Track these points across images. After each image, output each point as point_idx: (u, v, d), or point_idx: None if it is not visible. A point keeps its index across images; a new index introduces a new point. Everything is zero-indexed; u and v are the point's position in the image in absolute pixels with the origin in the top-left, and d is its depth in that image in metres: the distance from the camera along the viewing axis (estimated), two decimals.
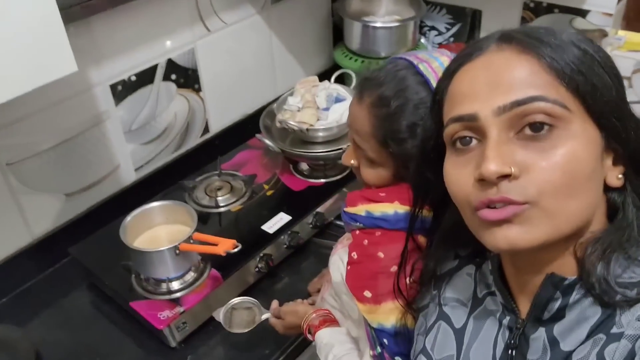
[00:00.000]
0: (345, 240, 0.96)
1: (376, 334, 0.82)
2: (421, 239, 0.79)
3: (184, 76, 1.47)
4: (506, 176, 0.54)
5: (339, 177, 1.47)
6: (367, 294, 0.83)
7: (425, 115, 0.80)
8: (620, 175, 0.59)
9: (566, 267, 0.59)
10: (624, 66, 1.50)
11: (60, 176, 1.31)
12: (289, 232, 1.31)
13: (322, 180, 1.46)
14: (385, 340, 0.81)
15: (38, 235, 1.32)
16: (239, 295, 1.24)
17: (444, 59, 0.85)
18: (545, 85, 0.55)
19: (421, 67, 0.84)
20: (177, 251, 1.12)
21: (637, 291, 0.55)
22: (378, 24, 1.69)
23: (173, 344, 1.15)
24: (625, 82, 0.60)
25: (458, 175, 0.59)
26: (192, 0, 1.41)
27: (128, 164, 1.44)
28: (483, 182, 0.55)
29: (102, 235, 1.34)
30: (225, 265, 1.22)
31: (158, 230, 1.24)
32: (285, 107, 1.45)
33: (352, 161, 0.93)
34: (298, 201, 1.40)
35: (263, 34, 1.64)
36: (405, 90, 0.84)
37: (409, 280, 0.78)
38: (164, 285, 1.18)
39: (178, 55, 1.44)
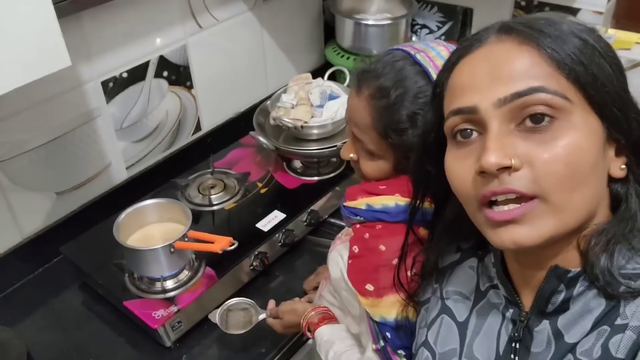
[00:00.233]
0: (344, 236, 0.96)
1: (379, 328, 0.82)
2: (422, 232, 0.79)
3: (176, 73, 1.46)
4: (507, 168, 0.54)
5: (332, 174, 1.46)
6: (369, 287, 0.82)
7: (425, 105, 0.81)
8: (623, 166, 0.59)
9: (570, 259, 0.59)
10: None
11: (50, 174, 1.29)
12: (284, 230, 1.31)
13: (316, 178, 1.45)
14: (387, 334, 0.81)
15: (28, 235, 1.30)
16: (234, 294, 1.23)
17: (441, 48, 0.85)
18: (546, 76, 0.54)
19: (418, 56, 0.84)
20: (172, 249, 1.11)
21: None
22: (370, 22, 1.69)
23: (168, 343, 1.14)
24: None
25: (459, 168, 0.59)
26: None
27: (119, 162, 1.43)
28: (484, 174, 0.55)
29: (94, 234, 1.32)
30: (220, 263, 1.21)
31: (151, 229, 1.22)
32: (279, 105, 1.44)
33: (351, 155, 0.93)
34: (292, 199, 1.39)
35: (255, 31, 1.63)
36: (404, 80, 0.83)
37: (411, 273, 0.78)
38: (158, 284, 1.17)
39: (170, 51, 1.42)
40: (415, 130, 0.83)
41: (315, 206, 1.37)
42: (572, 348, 0.57)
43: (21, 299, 1.27)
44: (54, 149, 1.27)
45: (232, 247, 1.11)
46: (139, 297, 1.16)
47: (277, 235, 1.29)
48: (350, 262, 0.86)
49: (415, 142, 0.82)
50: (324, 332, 0.96)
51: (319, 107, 1.42)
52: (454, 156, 0.60)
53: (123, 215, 1.18)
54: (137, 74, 1.37)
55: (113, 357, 1.14)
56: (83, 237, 1.32)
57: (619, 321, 0.55)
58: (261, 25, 1.64)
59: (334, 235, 1.35)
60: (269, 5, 1.63)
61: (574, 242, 0.58)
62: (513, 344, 0.63)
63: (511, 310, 0.64)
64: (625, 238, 0.57)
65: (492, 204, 0.56)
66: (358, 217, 0.87)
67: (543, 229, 0.54)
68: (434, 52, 0.84)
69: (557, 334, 0.59)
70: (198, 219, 1.35)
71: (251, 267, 1.25)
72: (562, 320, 0.59)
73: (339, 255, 0.93)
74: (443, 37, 1.80)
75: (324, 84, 1.47)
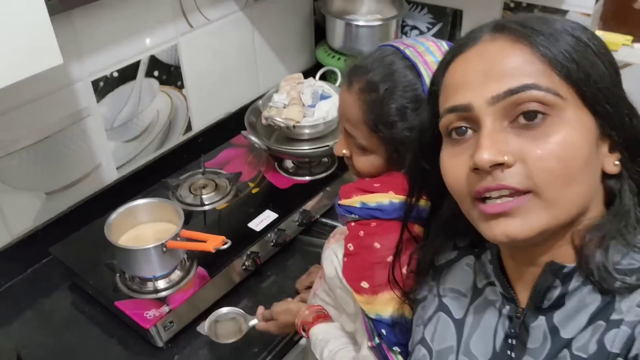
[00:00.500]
0: (338, 234, 0.96)
1: (374, 325, 0.82)
2: (417, 229, 0.79)
3: (167, 73, 1.45)
4: (500, 165, 0.54)
5: (324, 174, 1.47)
6: (364, 284, 0.82)
7: (413, 98, 0.82)
8: (616, 162, 0.59)
9: (565, 255, 0.59)
10: None
11: (40, 174, 1.28)
12: (276, 229, 1.30)
13: (308, 178, 1.46)
14: (383, 331, 0.81)
15: (18, 235, 1.28)
16: (226, 294, 1.23)
17: (430, 44, 0.86)
18: (538, 73, 0.55)
19: (407, 51, 0.85)
20: (165, 249, 1.10)
21: (636, 277, 0.56)
22: (360, 23, 1.70)
23: (160, 343, 1.13)
24: None
25: (454, 165, 0.60)
26: None
27: (109, 163, 1.42)
28: (478, 171, 0.56)
29: (84, 235, 1.31)
30: (212, 263, 1.20)
31: (143, 228, 1.22)
32: (271, 104, 1.44)
33: (344, 151, 0.94)
34: (284, 199, 1.39)
35: (246, 31, 1.63)
36: (393, 75, 0.85)
37: (406, 271, 0.78)
38: (149, 284, 1.16)
39: (161, 51, 1.42)
40: (405, 124, 0.84)
41: (307, 206, 1.37)
42: (568, 343, 0.58)
43: (10, 299, 1.26)
44: (44, 149, 1.26)
45: (225, 246, 1.10)
46: (130, 298, 1.15)
47: (269, 235, 1.29)
48: (345, 259, 0.87)
49: (405, 136, 0.84)
50: (318, 331, 0.96)
51: (311, 107, 1.42)
52: (449, 153, 0.61)
53: (114, 214, 1.17)
54: (127, 73, 1.37)
55: (104, 357, 1.13)
56: (73, 238, 1.31)
57: (614, 316, 0.55)
58: (252, 25, 1.63)
59: (326, 234, 1.35)
60: (260, 5, 1.63)
61: (568, 238, 0.59)
62: (509, 340, 0.63)
63: (507, 307, 0.64)
64: (620, 234, 0.57)
65: (485, 199, 0.57)
66: (353, 215, 0.87)
67: (535, 222, 0.55)
68: (422, 47, 0.85)
69: (553, 330, 0.59)
70: (189, 219, 1.35)
71: (243, 267, 1.25)
72: (558, 316, 0.59)
73: (333, 254, 0.93)
74: None
75: (316, 84, 1.48)
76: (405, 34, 1.86)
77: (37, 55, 0.84)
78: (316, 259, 1.29)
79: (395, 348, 0.81)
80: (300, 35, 1.83)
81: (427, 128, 0.67)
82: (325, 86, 1.48)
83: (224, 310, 1.12)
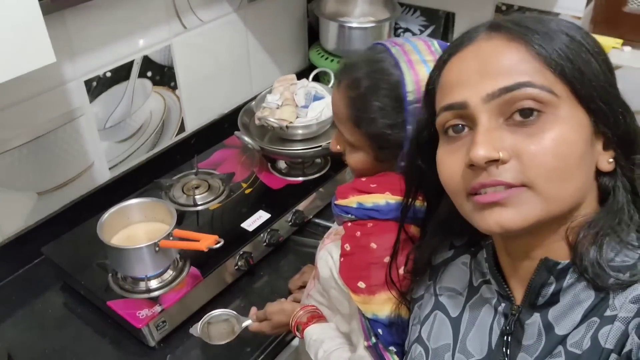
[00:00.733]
0: (333, 235, 0.96)
1: (370, 325, 0.82)
2: (413, 229, 0.80)
3: (160, 73, 1.46)
4: (495, 161, 0.55)
5: (317, 175, 1.47)
6: (361, 284, 0.82)
7: (390, 96, 0.83)
8: (610, 160, 0.60)
9: (559, 252, 0.60)
10: None
11: (32, 174, 1.27)
12: (269, 230, 1.31)
13: (301, 179, 1.46)
14: (379, 331, 0.81)
15: (9, 235, 1.28)
16: (219, 294, 1.23)
17: (419, 42, 0.87)
18: (533, 71, 0.56)
19: (393, 50, 0.86)
20: (157, 248, 1.10)
21: (630, 274, 0.56)
22: (353, 25, 1.71)
23: (152, 343, 1.13)
24: None
25: (450, 162, 0.60)
26: None
27: (102, 163, 1.41)
28: (473, 167, 0.56)
29: (76, 235, 1.31)
30: (204, 263, 1.20)
31: (136, 228, 1.21)
32: (264, 105, 1.45)
33: (338, 147, 0.95)
34: (277, 199, 1.40)
35: (239, 33, 1.63)
36: (377, 72, 0.86)
37: (402, 271, 0.78)
38: (142, 284, 1.16)
39: (154, 52, 1.42)
40: (386, 121, 0.85)
41: (300, 206, 1.38)
42: (563, 340, 0.58)
43: (1, 300, 1.25)
44: (36, 148, 1.25)
45: (218, 245, 1.10)
46: (122, 297, 1.15)
47: (262, 235, 1.29)
48: (341, 259, 0.87)
49: (386, 134, 0.85)
50: (313, 331, 0.95)
51: (304, 107, 1.43)
52: (445, 151, 0.62)
53: (107, 214, 1.17)
54: (121, 73, 1.36)
55: (96, 357, 1.13)
56: (65, 238, 1.30)
57: (608, 312, 0.56)
58: (246, 26, 1.64)
59: (319, 235, 1.36)
60: (253, 7, 1.63)
61: (562, 234, 0.59)
62: (505, 337, 0.63)
63: (503, 305, 0.65)
64: (613, 231, 0.58)
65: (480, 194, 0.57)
66: (349, 215, 0.87)
67: (528, 213, 0.55)
68: (410, 46, 0.86)
69: (548, 326, 0.60)
70: (182, 219, 1.35)
71: (236, 267, 1.25)
72: (552, 313, 0.60)
73: (328, 255, 0.93)
74: None
75: (309, 85, 1.48)
76: (398, 36, 1.87)
77: (29, 53, 0.84)
78: (309, 259, 1.29)
79: (392, 348, 0.81)
80: (294, 37, 1.84)
81: (424, 127, 0.67)
82: (318, 87, 1.48)
83: (217, 312, 1.12)
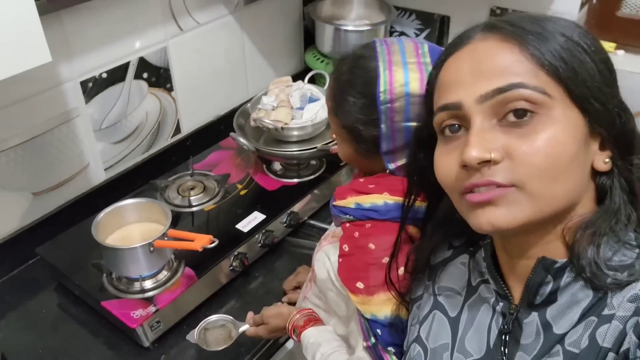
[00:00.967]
0: (330, 237, 0.96)
1: (369, 325, 0.82)
2: (411, 229, 0.80)
3: (156, 75, 1.46)
4: (488, 162, 0.55)
5: (312, 177, 1.47)
6: (360, 285, 0.83)
7: (369, 93, 0.85)
8: (607, 160, 0.60)
9: (557, 251, 0.60)
10: None
11: (27, 174, 1.27)
12: (263, 231, 1.31)
13: (296, 180, 1.46)
14: (378, 331, 0.81)
15: (3, 235, 1.28)
16: (214, 295, 1.23)
17: (408, 44, 0.87)
18: (526, 72, 0.56)
19: (379, 48, 0.87)
20: (152, 248, 1.10)
21: (628, 273, 0.56)
22: (349, 28, 1.72)
23: (146, 343, 1.13)
24: None
25: (445, 162, 0.61)
26: None
27: (97, 163, 1.42)
28: (467, 167, 0.57)
29: (71, 235, 1.31)
30: (199, 263, 1.21)
31: (131, 229, 1.22)
32: (260, 106, 1.45)
33: (334, 135, 0.97)
34: (272, 200, 1.40)
35: (235, 35, 1.64)
36: (356, 68, 0.87)
37: (402, 271, 0.79)
38: (136, 284, 1.16)
39: (150, 53, 1.42)
40: (359, 116, 0.86)
41: (295, 207, 1.38)
42: (561, 339, 0.58)
43: None
44: (32, 149, 1.25)
45: (213, 245, 1.11)
46: (117, 298, 1.15)
47: (256, 236, 1.29)
48: (340, 260, 0.87)
49: (358, 129, 0.87)
50: (310, 334, 0.95)
51: (299, 109, 1.43)
52: (441, 151, 0.62)
53: (102, 214, 1.17)
54: (116, 74, 1.37)
55: (90, 358, 1.13)
56: (60, 238, 1.30)
57: (606, 311, 0.56)
58: (242, 29, 1.65)
59: (314, 236, 1.37)
60: (250, 9, 1.64)
61: (559, 233, 0.59)
62: (503, 337, 0.64)
63: (501, 304, 0.65)
64: (611, 230, 0.58)
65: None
66: (347, 216, 0.87)
67: (519, 213, 0.56)
68: (397, 47, 0.86)
69: (546, 325, 0.60)
70: (177, 220, 1.35)
71: (231, 268, 1.25)
72: (550, 312, 0.60)
73: (325, 256, 0.93)
74: None
75: (304, 87, 1.49)
76: None
77: (25, 52, 0.84)
78: (304, 260, 1.29)
79: (390, 348, 0.81)
80: (290, 39, 1.85)
81: (424, 126, 0.68)
82: (313, 89, 1.49)
83: (213, 317, 1.11)
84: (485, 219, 0.57)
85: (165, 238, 1.12)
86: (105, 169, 1.44)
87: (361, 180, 0.91)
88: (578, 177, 0.58)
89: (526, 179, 0.55)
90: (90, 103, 1.34)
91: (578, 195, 0.59)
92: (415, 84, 0.82)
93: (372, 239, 0.84)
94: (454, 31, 1.76)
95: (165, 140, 1.56)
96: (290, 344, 1.22)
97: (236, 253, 1.25)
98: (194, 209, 1.39)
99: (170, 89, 1.51)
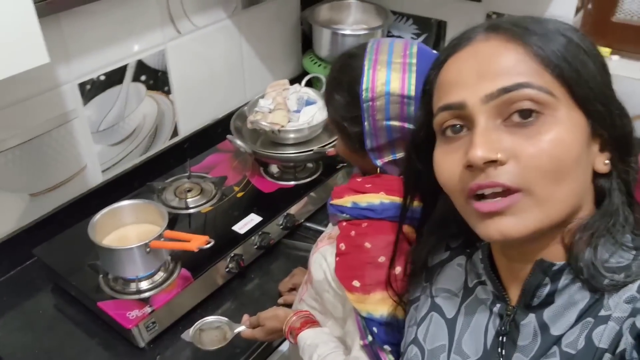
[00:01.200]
0: (326, 238, 0.96)
1: (366, 323, 0.82)
2: (406, 229, 0.80)
3: (154, 78, 1.47)
4: (493, 162, 0.55)
5: (309, 179, 1.48)
6: (356, 283, 0.83)
7: (354, 92, 0.86)
8: (606, 161, 0.60)
9: (555, 253, 0.60)
10: None
11: (24, 175, 1.28)
12: (260, 232, 1.31)
13: (292, 183, 1.47)
14: (374, 329, 0.81)
15: (1, 236, 1.28)
16: (210, 296, 1.23)
17: (397, 44, 0.88)
18: (531, 72, 0.56)
19: (369, 47, 0.88)
20: (148, 249, 1.11)
21: (624, 275, 0.56)
22: (347, 32, 1.72)
23: (142, 344, 1.13)
24: None
25: (447, 162, 0.60)
26: (163, 2, 1.41)
27: (95, 165, 1.42)
28: (471, 168, 0.56)
29: (68, 236, 1.32)
30: (195, 265, 1.21)
31: (127, 230, 1.22)
32: (257, 109, 1.46)
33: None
34: (268, 203, 1.41)
35: (233, 39, 1.65)
36: (345, 66, 0.90)
37: (397, 271, 0.79)
38: (133, 285, 1.16)
39: (148, 56, 1.43)
40: (343, 112, 0.89)
41: (292, 210, 1.39)
42: (558, 340, 0.58)
43: None
44: (29, 150, 1.26)
45: (209, 245, 1.11)
46: (113, 298, 1.15)
47: (253, 237, 1.30)
48: (337, 259, 0.87)
49: (343, 125, 0.89)
50: (307, 336, 0.95)
51: (296, 112, 1.44)
52: (443, 151, 0.61)
53: (98, 215, 1.17)
54: (115, 77, 1.38)
55: (85, 358, 1.13)
56: (57, 239, 1.31)
57: (602, 312, 0.56)
58: (240, 33, 1.66)
59: (310, 238, 1.37)
60: (248, 13, 1.65)
61: (559, 236, 0.59)
62: (500, 338, 0.63)
63: (498, 305, 0.65)
64: (609, 232, 0.58)
65: (479, 197, 0.57)
66: (344, 215, 0.88)
67: (529, 221, 0.56)
68: (386, 46, 0.87)
69: (543, 327, 0.60)
70: (174, 222, 1.35)
71: (227, 269, 1.25)
72: (547, 313, 0.60)
73: (322, 258, 0.94)
74: None
75: (301, 90, 1.50)
76: None
77: (23, 53, 0.85)
78: (299, 262, 1.30)
79: (386, 347, 0.81)
80: (288, 43, 1.86)
81: (421, 127, 0.67)
82: (310, 92, 1.50)
83: (209, 318, 1.12)
84: (495, 229, 0.57)
85: (162, 239, 1.13)
86: (102, 171, 1.44)
87: (358, 180, 0.92)
88: (581, 179, 0.58)
89: (532, 181, 0.54)
90: (88, 105, 1.35)
91: (581, 198, 0.59)
92: (396, 83, 0.83)
93: (368, 238, 0.85)
94: (450, 36, 1.76)
95: (163, 142, 1.57)
96: (283, 347, 1.22)
97: (232, 255, 1.26)
98: (191, 210, 1.39)
99: (168, 92, 1.52)
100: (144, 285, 1.17)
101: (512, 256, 0.63)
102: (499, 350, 0.63)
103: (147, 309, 1.12)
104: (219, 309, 1.23)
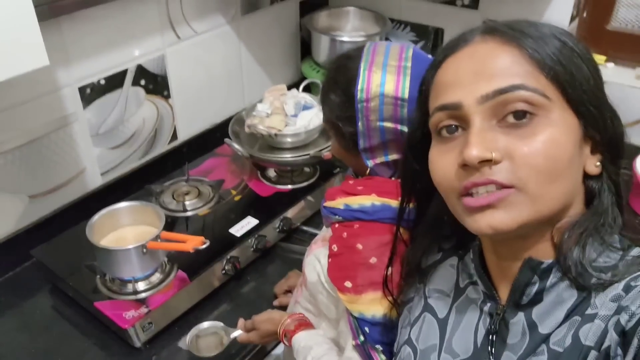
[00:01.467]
0: (320, 241, 0.97)
1: (358, 323, 0.83)
2: (400, 230, 0.81)
3: (153, 82, 1.49)
4: (488, 161, 0.56)
5: (306, 183, 1.49)
6: (348, 284, 0.84)
7: (349, 93, 0.88)
8: (597, 163, 0.61)
9: (544, 251, 0.61)
10: None
11: (24, 177, 1.29)
12: (256, 235, 1.33)
13: (290, 187, 1.48)
14: (366, 329, 0.82)
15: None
16: (206, 298, 1.24)
17: (394, 47, 0.89)
18: (526, 74, 0.57)
19: (366, 49, 0.90)
20: (145, 250, 1.12)
21: (611, 274, 0.58)
22: (345, 38, 1.74)
23: (138, 344, 1.14)
24: None
25: (442, 161, 0.61)
26: (163, 7, 1.43)
27: (94, 168, 1.44)
28: (466, 167, 0.57)
29: (66, 238, 1.33)
30: (192, 266, 1.22)
31: (125, 231, 1.23)
32: (254, 113, 1.47)
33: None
34: (265, 206, 1.42)
35: (232, 45, 1.67)
36: (342, 67, 0.91)
37: (389, 272, 0.80)
38: (129, 286, 1.17)
39: (148, 61, 1.45)
40: (338, 112, 0.91)
41: (288, 213, 1.40)
42: (546, 338, 0.59)
43: None
44: (29, 152, 1.28)
45: (204, 246, 1.12)
46: (110, 299, 1.16)
47: (249, 240, 1.31)
48: (330, 260, 0.88)
49: (337, 125, 0.90)
50: (300, 338, 0.96)
51: (293, 116, 1.45)
52: (438, 151, 0.63)
53: (96, 216, 1.19)
54: (115, 81, 1.39)
55: (81, 358, 1.14)
56: (55, 241, 1.32)
57: (589, 311, 0.57)
58: (239, 38, 1.68)
59: (306, 242, 1.38)
60: (247, 19, 1.67)
61: (548, 235, 0.61)
62: (490, 337, 0.64)
63: (489, 304, 0.66)
64: (597, 231, 0.60)
65: (472, 194, 0.58)
66: (337, 217, 0.89)
67: (518, 215, 0.57)
68: (383, 49, 0.89)
69: (532, 325, 0.61)
70: (172, 224, 1.37)
71: (223, 272, 1.26)
72: (536, 312, 0.61)
73: (316, 259, 0.95)
74: None
75: (299, 95, 1.51)
76: None
77: (23, 55, 0.85)
78: (295, 265, 1.31)
79: (378, 346, 0.82)
80: (286, 49, 1.88)
81: (417, 127, 0.68)
82: (307, 97, 1.52)
83: (205, 324, 1.13)
84: (484, 222, 0.58)
85: (159, 240, 1.14)
86: (101, 174, 1.46)
87: (350, 182, 0.93)
88: (573, 179, 0.59)
89: (526, 180, 0.56)
90: (88, 108, 1.36)
91: (572, 197, 0.60)
92: (391, 85, 0.85)
93: (360, 239, 0.86)
94: None
95: (162, 146, 1.59)
96: (277, 350, 1.23)
97: (228, 257, 1.27)
98: (189, 213, 1.40)
99: (167, 97, 1.54)
100: (141, 286, 1.18)
101: (502, 254, 0.64)
102: (489, 348, 0.64)
103: (144, 310, 1.13)
104: (215, 311, 1.23)
